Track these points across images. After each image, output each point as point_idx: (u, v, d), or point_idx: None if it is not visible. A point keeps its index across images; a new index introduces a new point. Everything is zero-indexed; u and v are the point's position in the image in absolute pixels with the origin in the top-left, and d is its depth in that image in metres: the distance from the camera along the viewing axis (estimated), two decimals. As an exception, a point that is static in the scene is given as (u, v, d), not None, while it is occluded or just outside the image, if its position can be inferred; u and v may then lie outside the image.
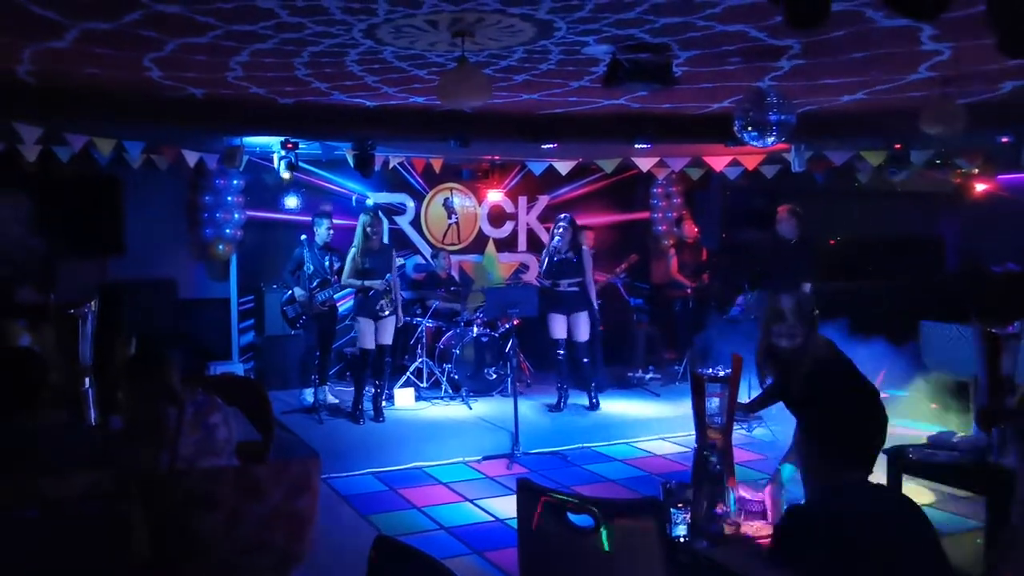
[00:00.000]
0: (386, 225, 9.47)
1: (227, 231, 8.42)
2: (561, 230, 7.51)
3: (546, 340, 7.70)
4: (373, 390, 7.25)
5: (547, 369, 8.42)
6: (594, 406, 7.59)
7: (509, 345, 7.70)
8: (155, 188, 8.23)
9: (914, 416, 5.96)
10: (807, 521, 2.38)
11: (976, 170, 8.98)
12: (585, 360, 7.57)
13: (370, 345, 7.16)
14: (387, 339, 7.23)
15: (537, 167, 9.17)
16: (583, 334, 7.50)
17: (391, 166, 8.65)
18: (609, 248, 9.77)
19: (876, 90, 5.83)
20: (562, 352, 7.49)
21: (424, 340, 8.22)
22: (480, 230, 10.04)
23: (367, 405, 7.24)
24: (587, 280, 7.57)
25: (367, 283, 7.05)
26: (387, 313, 7.15)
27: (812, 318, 3.63)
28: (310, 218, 7.80)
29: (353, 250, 7.16)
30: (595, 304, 7.89)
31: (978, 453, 3.96)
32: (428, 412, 7.61)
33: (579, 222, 9.14)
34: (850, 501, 2.34)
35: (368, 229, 7.11)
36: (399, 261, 7.47)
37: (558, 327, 7.47)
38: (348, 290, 7.57)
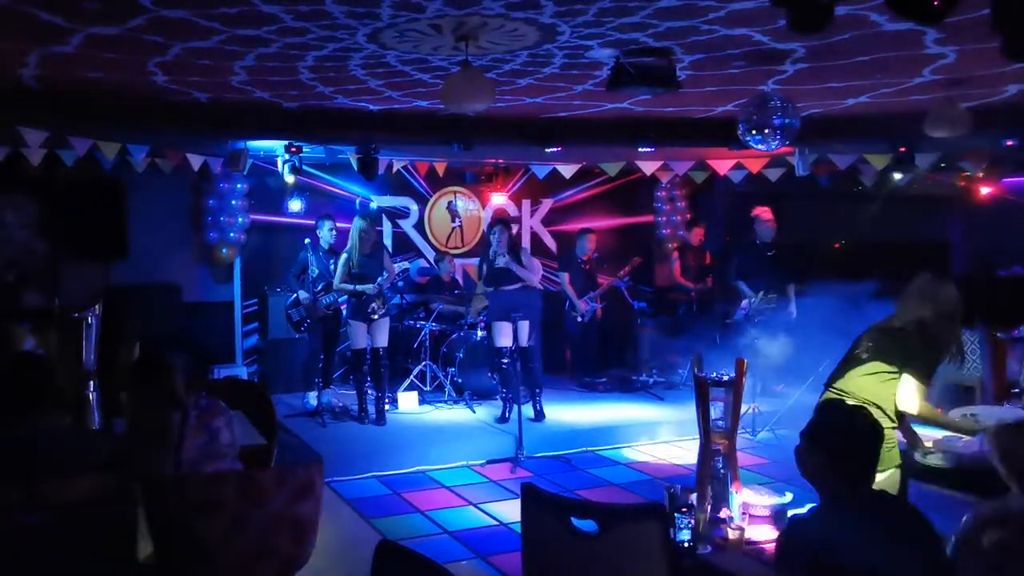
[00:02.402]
0: (389, 228, 9.49)
1: (231, 235, 8.43)
2: (495, 235, 7.29)
3: (491, 349, 7.48)
4: (375, 393, 7.24)
5: (550, 372, 8.41)
6: (540, 416, 7.33)
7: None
8: (159, 192, 8.24)
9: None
10: (809, 531, 2.37)
11: (981, 173, 8.96)
12: (532, 365, 7.37)
13: (361, 345, 7.14)
14: (382, 341, 7.19)
15: (541, 170, 9.18)
16: (525, 339, 7.24)
17: (395, 170, 8.65)
18: (612, 251, 9.77)
19: (880, 93, 5.83)
20: (506, 361, 7.11)
21: (427, 343, 8.22)
22: (484, 233, 10.04)
23: (369, 407, 7.23)
24: (531, 278, 7.30)
25: (359, 287, 7.02)
26: (379, 315, 7.13)
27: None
28: (314, 222, 7.81)
29: (345, 255, 7.11)
30: (588, 305, 7.83)
31: (983, 458, 3.94)
32: (431, 416, 7.60)
33: (584, 225, 9.20)
34: (853, 512, 2.32)
35: (362, 233, 7.02)
36: (404, 265, 7.44)
37: (503, 335, 7.12)
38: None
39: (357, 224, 7.08)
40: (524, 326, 7.18)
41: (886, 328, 3.87)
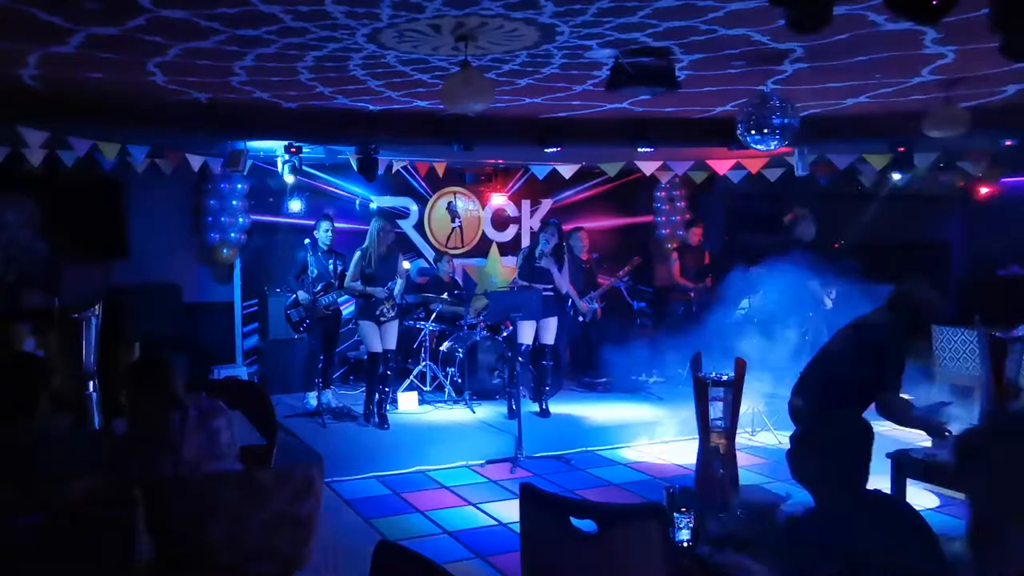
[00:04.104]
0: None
1: (231, 235, 8.43)
2: (550, 234, 7.35)
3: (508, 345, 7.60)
4: (377, 395, 7.23)
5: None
6: (545, 413, 7.45)
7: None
8: (159, 192, 8.25)
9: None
10: (807, 532, 2.38)
11: (980, 173, 8.96)
12: (545, 363, 7.46)
13: (378, 348, 7.12)
14: (390, 343, 7.19)
15: (540, 171, 9.18)
16: (550, 337, 7.38)
17: (394, 170, 8.66)
18: (612, 251, 9.77)
19: (880, 93, 5.83)
20: (521, 359, 7.20)
21: (427, 344, 8.22)
22: (483, 234, 10.05)
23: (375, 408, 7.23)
24: (562, 284, 7.47)
25: (369, 289, 7.02)
26: (387, 318, 7.13)
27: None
28: (314, 222, 7.81)
29: (358, 253, 7.09)
30: (589, 305, 8.06)
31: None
32: (431, 416, 7.60)
33: (583, 226, 9.21)
34: (850, 512, 2.33)
35: (380, 235, 7.03)
36: (405, 264, 7.44)
37: (526, 332, 7.22)
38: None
39: (376, 224, 7.09)
40: (550, 324, 7.30)
41: (861, 325, 3.91)
